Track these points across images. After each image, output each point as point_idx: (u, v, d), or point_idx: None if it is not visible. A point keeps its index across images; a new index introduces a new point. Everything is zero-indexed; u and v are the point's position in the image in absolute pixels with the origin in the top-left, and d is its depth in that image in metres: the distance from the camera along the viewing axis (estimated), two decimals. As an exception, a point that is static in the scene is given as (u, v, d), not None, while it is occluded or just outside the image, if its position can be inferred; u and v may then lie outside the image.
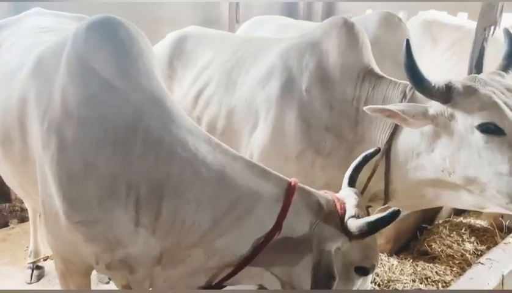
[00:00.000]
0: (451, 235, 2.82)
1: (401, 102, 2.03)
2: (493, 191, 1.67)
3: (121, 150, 1.48)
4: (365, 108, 1.88)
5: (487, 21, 2.97)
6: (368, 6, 6.21)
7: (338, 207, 1.56)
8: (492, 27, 3.03)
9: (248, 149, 2.41)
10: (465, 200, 1.86)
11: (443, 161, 1.82)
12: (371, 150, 1.75)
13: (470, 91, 1.70)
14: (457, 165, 1.76)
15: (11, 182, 2.08)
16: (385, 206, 2.29)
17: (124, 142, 1.49)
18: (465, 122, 1.71)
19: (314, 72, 2.23)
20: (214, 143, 1.60)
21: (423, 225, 2.82)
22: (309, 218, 1.55)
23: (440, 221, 2.99)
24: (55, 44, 1.72)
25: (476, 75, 1.83)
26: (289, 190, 1.58)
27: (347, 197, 1.61)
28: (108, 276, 1.66)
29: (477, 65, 3.10)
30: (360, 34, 2.21)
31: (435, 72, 4.23)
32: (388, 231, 2.53)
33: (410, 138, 1.97)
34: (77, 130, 1.48)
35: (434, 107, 1.80)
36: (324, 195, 1.64)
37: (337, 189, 1.81)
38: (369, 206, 2.32)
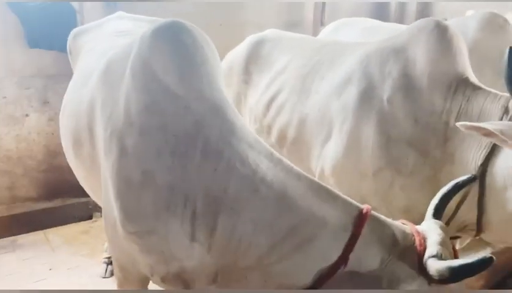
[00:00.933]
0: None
1: (502, 118, 1.72)
2: None
3: (180, 160, 1.42)
4: (457, 124, 1.62)
5: None
6: (470, 6, 5.65)
7: (417, 242, 1.34)
8: None
9: (320, 162, 2.24)
10: None
11: None
12: (465, 177, 1.49)
13: None
14: None
15: (84, 185, 2.14)
16: (477, 238, 1.98)
17: (183, 152, 1.42)
18: None
19: (399, 81, 1.99)
20: (276, 158, 1.47)
21: (525, 260, 2.41)
22: (381, 253, 1.35)
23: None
24: (123, 48, 1.71)
25: None
26: (360, 219, 1.39)
27: (430, 231, 1.38)
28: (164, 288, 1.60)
29: None
30: (455, 38, 1.93)
31: None
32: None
33: (508, 162, 1.66)
34: (137, 139, 1.45)
35: None
36: (402, 226, 1.42)
37: (418, 215, 1.58)
38: (458, 237, 2.03)
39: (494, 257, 1.13)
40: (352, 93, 2.09)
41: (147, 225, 1.45)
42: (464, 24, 2.47)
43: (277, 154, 1.49)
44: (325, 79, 2.27)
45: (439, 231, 1.37)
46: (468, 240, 2.25)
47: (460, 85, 1.89)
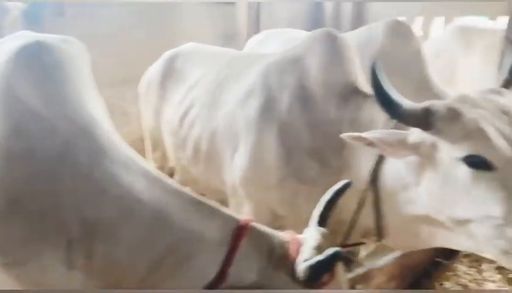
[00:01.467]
0: (470, 272, 2.44)
1: (387, 126, 1.76)
2: (482, 238, 1.37)
3: (49, 185, 1.36)
4: (342, 135, 1.64)
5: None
6: (400, 12, 5.86)
7: (293, 250, 1.35)
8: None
9: (230, 174, 2.23)
10: (462, 242, 1.56)
11: (430, 197, 1.55)
12: (342, 183, 1.51)
13: (454, 115, 1.41)
14: (443, 203, 1.48)
15: None
16: (379, 243, 2.02)
17: (52, 177, 1.37)
18: (449, 153, 1.43)
19: (295, 91, 2.02)
20: (153, 177, 1.44)
21: (437, 259, 2.48)
22: (259, 264, 1.35)
23: (460, 255, 2.62)
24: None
25: (467, 94, 1.52)
26: (238, 232, 1.38)
27: (308, 238, 1.39)
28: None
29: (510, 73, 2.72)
30: (345, 48, 1.97)
31: (470, 80, 3.87)
32: (392, 265, 2.24)
33: (395, 167, 1.70)
34: (3, 165, 1.38)
35: (415, 134, 1.53)
36: (281, 236, 1.43)
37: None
38: (362, 243, 2.06)
39: (341, 250, 1.17)
40: (253, 105, 2.10)
41: (18, 256, 1.38)
42: (371, 31, 2.54)
43: (154, 172, 1.47)
44: (232, 92, 2.28)
45: (317, 237, 1.38)
46: (373, 246, 2.29)
47: (352, 94, 1.93)
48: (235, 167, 2.18)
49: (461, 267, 2.47)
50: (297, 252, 1.33)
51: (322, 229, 1.46)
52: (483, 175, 1.35)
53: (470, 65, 3.92)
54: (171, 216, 1.38)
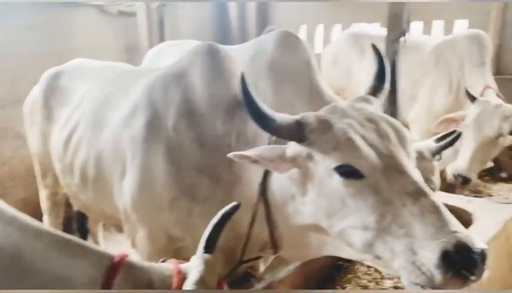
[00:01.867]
0: (369, 272, 2.53)
1: (271, 139, 1.75)
2: (359, 246, 1.39)
3: None
4: (228, 155, 1.59)
5: (395, 32, 2.76)
6: (303, 21, 6.05)
7: (175, 284, 1.27)
8: (402, 39, 2.82)
9: (121, 199, 2.09)
10: (350, 251, 1.56)
11: (313, 207, 1.55)
12: (230, 206, 1.45)
13: (324, 126, 1.44)
14: (324, 213, 1.49)
15: None
16: (276, 255, 2.01)
17: None
18: (323, 164, 1.45)
19: (181, 107, 1.94)
20: (8, 217, 1.27)
21: (339, 263, 2.54)
22: None
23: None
24: None
25: (337, 104, 1.57)
26: (111, 269, 1.27)
27: (192, 269, 1.31)
28: None
29: (391, 82, 2.87)
30: (226, 62, 1.94)
31: (364, 85, 4.07)
32: (293, 275, 2.24)
33: (280, 179, 1.69)
34: None
35: (291, 148, 1.53)
36: (162, 269, 1.34)
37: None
38: (260, 257, 2.03)
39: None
40: (139, 124, 1.99)
41: None
42: (261, 42, 2.54)
43: (9, 210, 1.30)
44: (116, 110, 2.14)
45: (200, 268, 1.31)
46: (271, 259, 2.28)
47: (238, 108, 1.90)
48: (124, 192, 2.04)
49: (362, 268, 2.55)
50: (180, 286, 1.26)
51: (207, 257, 1.39)
52: (354, 184, 1.37)
53: (364, 70, 4.11)
54: (31, 260, 1.23)
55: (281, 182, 1.70)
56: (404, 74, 3.06)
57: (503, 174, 4.04)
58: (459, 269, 1.15)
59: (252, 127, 1.85)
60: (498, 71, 5.17)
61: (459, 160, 3.31)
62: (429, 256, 1.18)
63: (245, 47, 2.75)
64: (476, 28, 5.23)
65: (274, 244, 1.90)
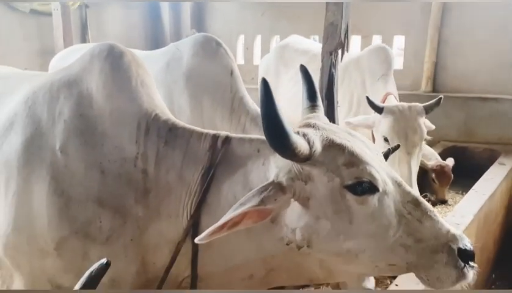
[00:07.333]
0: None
1: (211, 160, 1.47)
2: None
3: None
4: (196, 240, 1.27)
5: (332, 44, 2.53)
6: (240, 31, 5.79)
7: None
8: (339, 51, 2.59)
9: (-8, 239, 1.63)
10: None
11: (292, 234, 1.35)
12: (98, 264, 1.05)
13: (326, 143, 1.32)
14: (316, 236, 1.33)
15: None
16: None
17: None
18: (329, 184, 1.30)
19: (72, 123, 1.53)
20: None
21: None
22: None
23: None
24: None
25: (310, 119, 1.43)
26: None
27: None
28: None
29: (327, 94, 2.64)
30: (133, 66, 1.57)
31: (286, 98, 3.86)
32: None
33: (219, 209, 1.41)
34: None
35: (281, 171, 1.33)
36: None
37: (127, 285, 1.51)
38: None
39: None
40: (15, 144, 1.55)
41: None
42: (179, 49, 2.20)
43: None
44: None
45: None
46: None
47: (153, 125, 1.54)
48: (-3, 230, 1.59)
49: None
50: None
51: None
52: (369, 199, 1.32)
53: (287, 81, 3.95)
54: None
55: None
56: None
57: (432, 198, 3.98)
58: (467, 262, 1.28)
59: (179, 148, 1.51)
60: (434, 89, 5.22)
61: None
62: (445, 257, 1.28)
63: (160, 53, 2.41)
64: (413, 45, 5.30)
65: (194, 284, 1.58)
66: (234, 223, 1.26)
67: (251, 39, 5.79)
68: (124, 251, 1.58)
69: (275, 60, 4.30)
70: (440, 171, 3.93)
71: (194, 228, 1.49)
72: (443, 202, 4.02)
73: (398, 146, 2.23)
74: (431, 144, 4.51)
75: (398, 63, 5.62)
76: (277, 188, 1.30)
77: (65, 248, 1.55)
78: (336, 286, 2.19)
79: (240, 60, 5.98)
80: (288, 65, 4.00)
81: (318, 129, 1.37)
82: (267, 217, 1.31)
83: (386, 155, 1.77)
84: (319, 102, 1.59)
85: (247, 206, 1.26)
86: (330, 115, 2.72)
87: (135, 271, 1.59)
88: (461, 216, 2.89)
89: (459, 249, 1.28)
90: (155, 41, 5.59)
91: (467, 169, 4.25)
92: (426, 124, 3.05)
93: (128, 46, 3.44)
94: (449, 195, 4.19)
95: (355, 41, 5.57)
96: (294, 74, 3.68)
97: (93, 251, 1.56)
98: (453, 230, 1.32)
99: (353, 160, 1.30)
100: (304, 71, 1.60)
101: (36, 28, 4.42)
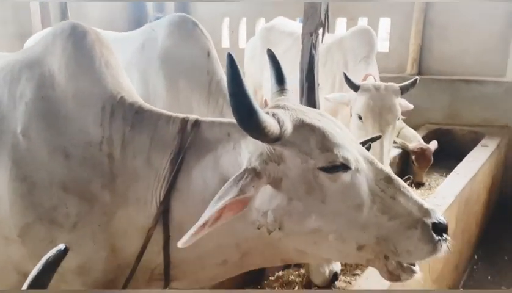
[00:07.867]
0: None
1: (180, 145, 1.42)
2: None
3: None
4: (179, 245, 1.22)
5: (312, 25, 2.47)
6: (224, 13, 5.69)
7: None
8: (320, 32, 2.54)
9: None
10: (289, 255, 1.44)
11: (263, 217, 1.33)
12: (56, 249, 1.00)
13: (297, 123, 1.29)
14: (288, 217, 1.30)
15: None
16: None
17: None
18: (303, 165, 1.28)
19: (34, 105, 1.48)
20: None
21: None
22: None
23: (271, 278, 2.42)
24: None
25: (280, 102, 1.39)
26: None
27: None
28: None
29: (308, 76, 2.60)
30: (97, 46, 1.51)
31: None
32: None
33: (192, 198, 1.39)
34: None
35: (253, 155, 1.29)
36: None
37: (97, 272, 1.49)
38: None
39: None
40: (-26, 128, 1.49)
41: None
42: (154, 30, 2.13)
43: None
44: None
45: None
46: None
47: (118, 108, 1.48)
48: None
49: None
50: None
51: None
52: (341, 177, 1.31)
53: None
54: None
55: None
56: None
57: (409, 181, 3.99)
58: (441, 235, 1.28)
59: (146, 132, 1.46)
60: (419, 71, 5.19)
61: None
62: (419, 233, 1.27)
63: (136, 34, 2.33)
64: (399, 27, 5.25)
65: (167, 274, 1.55)
66: (215, 218, 1.22)
67: (236, 22, 5.69)
68: (92, 237, 1.53)
69: (261, 42, 4.24)
70: (420, 153, 3.94)
71: (164, 215, 1.46)
72: (421, 184, 4.04)
73: (379, 137, 2.21)
74: (415, 126, 4.52)
75: (384, 46, 5.58)
76: (253, 173, 1.26)
77: (29, 235, 1.50)
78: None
79: (225, 43, 5.90)
80: (274, 47, 3.94)
81: (288, 109, 1.34)
82: (246, 206, 1.27)
83: (367, 149, 1.76)
84: (288, 86, 1.55)
85: (227, 198, 1.22)
86: (311, 96, 2.69)
87: (105, 257, 1.55)
88: (442, 197, 2.89)
89: (433, 223, 1.28)
90: (137, 23, 5.47)
91: (451, 151, 4.26)
92: (402, 104, 3.04)
93: (109, 28, 3.37)
94: (433, 177, 4.20)
95: (341, 23, 5.51)
96: (280, 56, 3.62)
97: (60, 238, 1.51)
98: (426, 205, 1.32)
99: (326, 143, 1.28)
100: (271, 55, 1.56)
101: (13, 11, 4.30)
